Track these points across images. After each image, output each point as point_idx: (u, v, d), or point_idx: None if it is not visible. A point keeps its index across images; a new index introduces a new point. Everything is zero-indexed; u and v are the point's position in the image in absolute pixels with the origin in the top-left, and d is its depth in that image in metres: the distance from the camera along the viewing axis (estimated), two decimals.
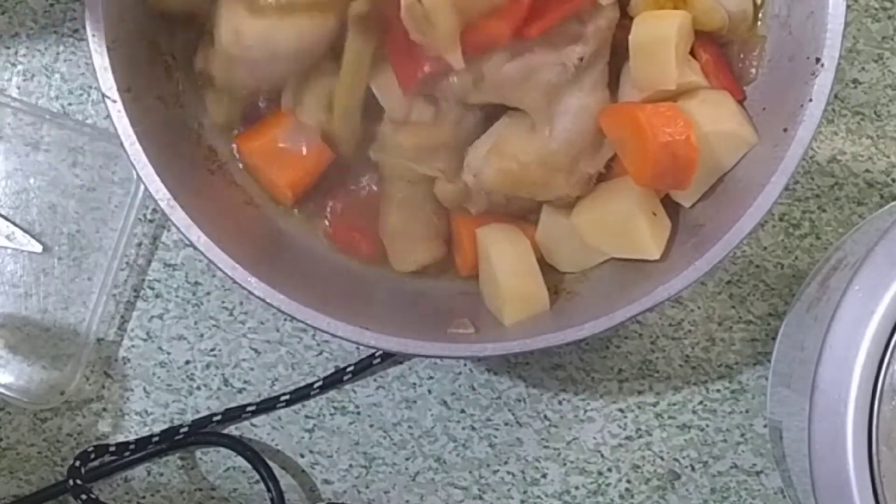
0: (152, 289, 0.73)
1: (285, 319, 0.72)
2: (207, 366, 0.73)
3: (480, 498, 0.72)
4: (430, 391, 0.73)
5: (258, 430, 0.73)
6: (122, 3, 0.61)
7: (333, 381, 0.72)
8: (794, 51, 0.61)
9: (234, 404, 0.72)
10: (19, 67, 0.73)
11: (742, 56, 0.64)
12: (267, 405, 0.72)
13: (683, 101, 0.61)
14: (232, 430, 0.73)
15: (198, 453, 0.73)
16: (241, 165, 0.67)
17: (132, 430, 0.73)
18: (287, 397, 0.72)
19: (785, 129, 0.59)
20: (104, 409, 0.73)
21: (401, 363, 0.72)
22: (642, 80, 0.61)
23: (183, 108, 0.65)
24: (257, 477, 0.71)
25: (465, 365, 0.72)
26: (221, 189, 0.66)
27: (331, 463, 0.73)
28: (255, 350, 0.73)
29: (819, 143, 0.72)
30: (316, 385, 0.72)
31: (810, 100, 0.58)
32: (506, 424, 0.72)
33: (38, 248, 0.72)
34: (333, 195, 0.67)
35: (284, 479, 0.72)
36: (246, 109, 0.66)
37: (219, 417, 0.72)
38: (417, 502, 0.73)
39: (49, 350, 0.72)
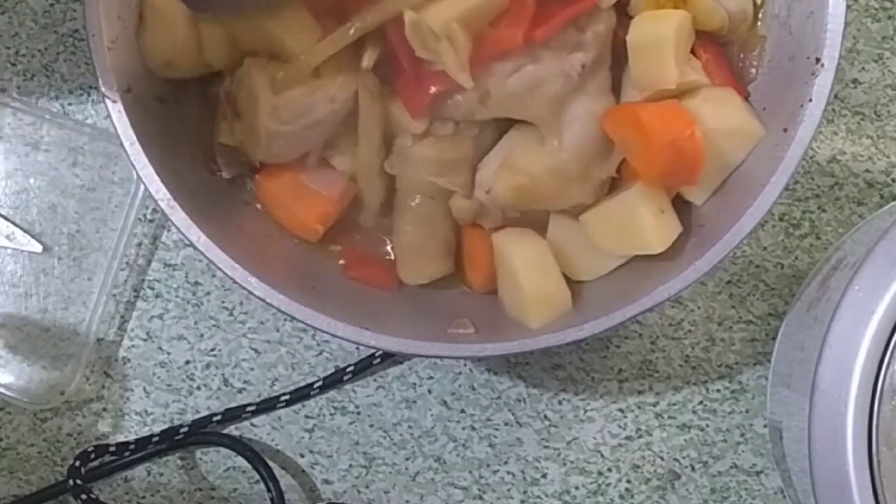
0: (152, 289, 0.73)
1: (285, 319, 0.72)
2: (207, 366, 0.73)
3: (480, 498, 0.72)
4: (430, 391, 0.73)
5: (258, 430, 0.73)
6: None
7: (333, 381, 0.72)
8: (794, 51, 0.61)
9: (234, 404, 0.72)
10: (19, 67, 0.73)
11: (742, 56, 0.64)
12: (267, 405, 0.72)
13: (686, 101, 0.61)
14: (232, 430, 0.73)
15: (198, 453, 0.73)
16: (258, 205, 0.66)
17: (132, 430, 0.73)
18: (287, 397, 0.72)
19: (785, 129, 0.59)
20: (104, 409, 0.73)
21: (401, 363, 0.72)
22: (642, 81, 0.61)
23: (183, 108, 0.65)
24: (257, 477, 0.71)
25: (465, 365, 0.72)
26: (221, 189, 0.66)
27: (331, 463, 0.73)
28: (255, 350, 0.73)
29: (819, 143, 0.72)
30: (316, 385, 0.72)
31: (810, 100, 0.58)
32: (506, 424, 0.72)
33: (38, 248, 0.72)
34: (346, 227, 0.66)
35: (284, 479, 0.72)
36: None
37: (219, 417, 0.72)
38: (417, 502, 0.73)
39: (49, 350, 0.72)
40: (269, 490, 0.71)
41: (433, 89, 0.61)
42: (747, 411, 0.72)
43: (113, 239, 0.72)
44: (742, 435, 0.72)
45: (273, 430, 0.73)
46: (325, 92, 0.61)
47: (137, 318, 0.73)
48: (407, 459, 0.73)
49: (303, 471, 0.73)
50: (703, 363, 0.72)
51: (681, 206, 0.63)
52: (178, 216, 0.59)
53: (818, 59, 0.59)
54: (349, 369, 0.71)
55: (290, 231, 0.66)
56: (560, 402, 0.72)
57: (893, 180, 0.72)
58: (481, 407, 0.73)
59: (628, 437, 0.72)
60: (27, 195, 0.72)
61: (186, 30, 0.62)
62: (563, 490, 0.72)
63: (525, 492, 0.72)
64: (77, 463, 0.70)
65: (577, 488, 0.72)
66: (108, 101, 0.60)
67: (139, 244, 0.73)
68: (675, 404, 0.72)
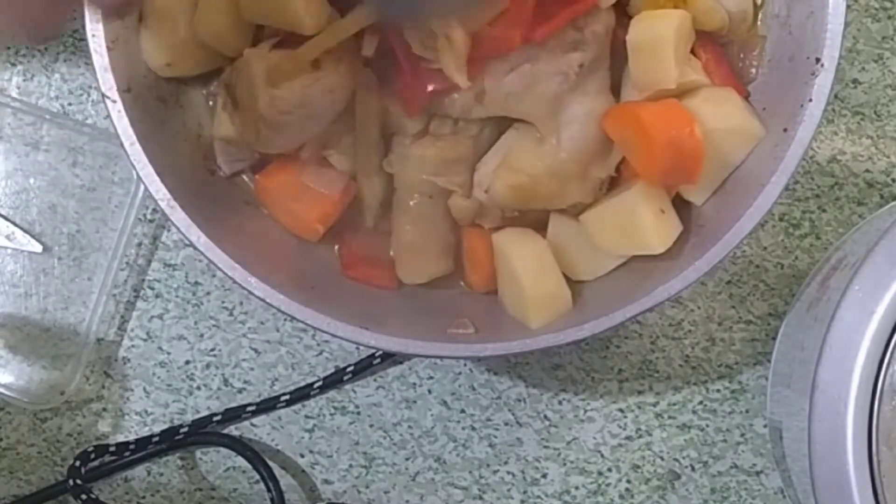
0: (152, 289, 0.73)
1: (285, 319, 0.72)
2: (207, 366, 0.73)
3: (480, 498, 0.72)
4: (430, 391, 0.73)
5: (258, 430, 0.73)
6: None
7: (333, 381, 0.72)
8: (794, 51, 0.61)
9: (234, 404, 0.72)
10: (19, 67, 0.73)
11: (742, 56, 0.64)
12: (267, 405, 0.72)
13: (686, 100, 0.61)
14: (232, 430, 0.73)
15: (198, 453, 0.73)
16: (258, 205, 0.66)
17: (132, 430, 0.73)
18: (287, 397, 0.72)
19: (785, 129, 0.59)
20: (104, 409, 0.73)
21: (401, 363, 0.72)
22: (642, 80, 0.61)
23: (183, 108, 0.65)
24: (257, 477, 0.71)
25: (465, 365, 0.72)
26: (221, 189, 0.66)
27: (331, 463, 0.73)
28: (255, 350, 0.73)
29: (819, 143, 0.72)
30: (316, 385, 0.72)
31: (810, 100, 0.58)
32: (506, 424, 0.72)
33: (38, 248, 0.72)
34: (346, 227, 0.66)
35: (284, 479, 0.72)
36: None
37: (219, 417, 0.72)
38: (417, 502, 0.73)
39: (49, 350, 0.72)
40: (269, 490, 0.71)
41: (430, 88, 0.60)
42: (747, 411, 0.72)
43: (113, 239, 0.72)
44: (742, 435, 0.72)
45: (273, 430, 0.73)
46: (325, 83, 0.61)
47: (137, 318, 0.73)
48: (407, 459, 0.73)
49: (303, 471, 0.73)
50: (703, 363, 0.72)
51: (681, 206, 0.63)
52: (178, 216, 0.59)
53: (818, 59, 0.59)
54: (349, 369, 0.71)
55: (290, 231, 0.66)
56: (560, 402, 0.72)
57: (893, 180, 0.72)
58: (481, 407, 0.73)
59: (628, 437, 0.72)
60: (27, 195, 0.72)
61: (186, 30, 0.62)
62: (563, 490, 0.72)
63: (525, 492, 0.72)
64: (77, 463, 0.70)
65: (577, 488, 0.72)
66: (108, 101, 0.60)
67: (139, 244, 0.73)
68: (675, 404, 0.72)
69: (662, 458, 0.72)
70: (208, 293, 0.73)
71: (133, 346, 0.73)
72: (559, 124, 0.62)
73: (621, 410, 0.72)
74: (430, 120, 0.63)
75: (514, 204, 0.63)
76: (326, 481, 0.73)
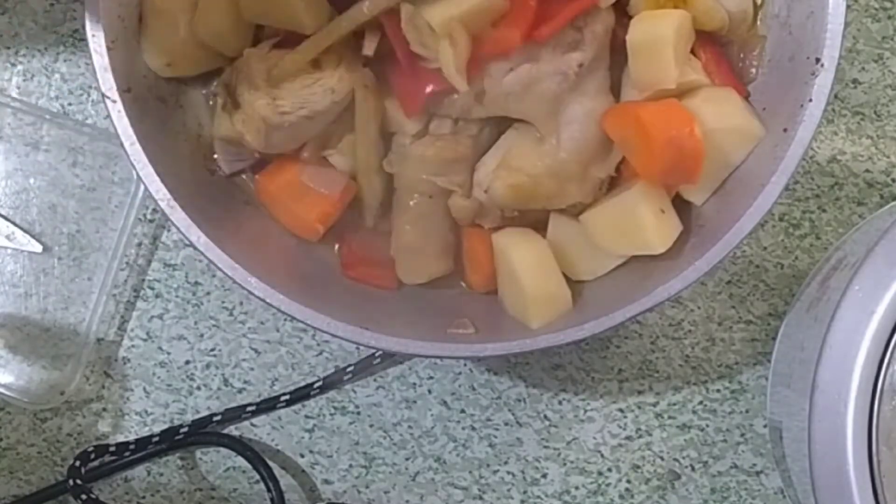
0: (152, 289, 0.73)
1: (285, 319, 0.72)
2: (207, 366, 0.73)
3: (480, 498, 0.72)
4: (430, 391, 0.73)
5: (258, 430, 0.73)
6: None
7: (333, 381, 0.72)
8: (794, 51, 0.61)
9: (234, 404, 0.72)
10: (19, 67, 0.73)
11: (742, 56, 0.64)
12: (267, 405, 0.72)
13: (686, 100, 0.61)
14: (232, 430, 0.73)
15: (198, 453, 0.73)
16: (258, 205, 0.66)
17: (132, 430, 0.73)
18: (287, 397, 0.72)
19: (785, 129, 0.59)
20: (104, 409, 0.73)
21: (401, 363, 0.72)
22: (642, 80, 0.61)
23: (183, 108, 0.65)
24: (257, 477, 0.71)
25: (465, 365, 0.72)
26: (221, 189, 0.66)
27: (331, 463, 0.73)
28: (255, 350, 0.73)
29: (819, 143, 0.72)
30: (316, 385, 0.72)
31: (810, 100, 0.58)
32: (506, 424, 0.72)
33: (38, 248, 0.72)
34: (346, 227, 0.66)
35: (284, 479, 0.72)
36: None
37: (219, 417, 0.72)
38: (417, 502, 0.73)
39: (49, 350, 0.72)
40: (269, 490, 0.71)
41: (429, 88, 0.60)
42: (747, 411, 0.72)
43: (113, 239, 0.72)
44: (742, 435, 0.72)
45: (273, 430, 0.73)
46: (325, 83, 0.61)
47: (137, 318, 0.73)
48: (407, 459, 0.73)
49: (303, 471, 0.73)
50: (703, 363, 0.72)
51: (681, 206, 0.63)
52: (178, 216, 0.59)
53: (818, 59, 0.59)
54: (349, 369, 0.71)
55: (290, 231, 0.66)
56: (560, 402, 0.72)
57: (893, 180, 0.72)
58: (481, 407, 0.73)
59: (628, 437, 0.72)
60: (27, 195, 0.72)
61: (186, 30, 0.62)
62: (563, 490, 0.72)
63: (525, 492, 0.72)
64: (77, 463, 0.70)
65: (577, 488, 0.72)
66: (108, 101, 0.60)
67: (139, 244, 0.73)
68: (675, 404, 0.72)
69: (662, 458, 0.72)
70: (208, 293, 0.73)
71: (133, 346, 0.73)
72: (559, 124, 0.62)
73: (621, 410, 0.72)
74: (430, 120, 0.63)
75: (513, 204, 0.63)
76: (326, 481, 0.73)
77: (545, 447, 0.72)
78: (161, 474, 0.73)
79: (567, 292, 0.62)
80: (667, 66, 0.60)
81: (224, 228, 0.61)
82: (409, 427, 0.73)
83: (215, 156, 0.66)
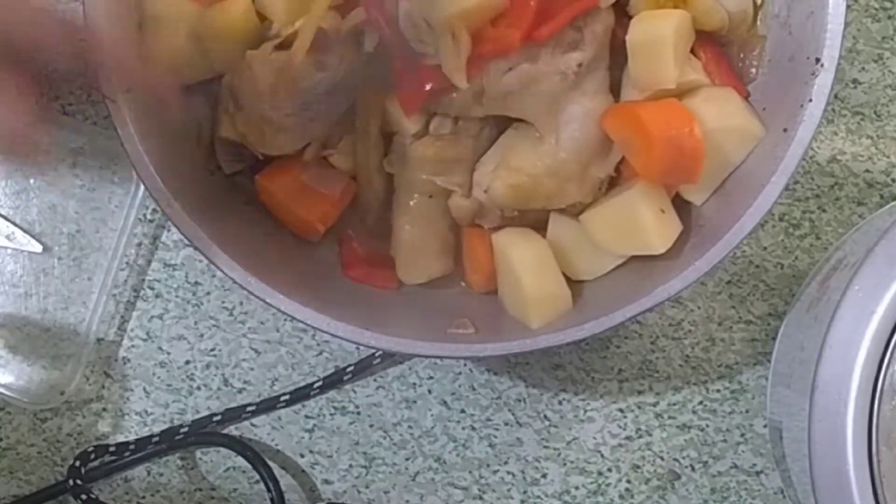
0: (152, 289, 0.73)
1: (285, 319, 0.72)
2: (207, 366, 0.73)
3: (480, 498, 0.72)
4: (430, 391, 0.73)
5: (258, 430, 0.73)
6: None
7: (333, 381, 0.72)
8: (794, 51, 0.61)
9: (234, 404, 0.72)
10: None
11: (742, 56, 0.64)
12: (267, 405, 0.72)
13: (686, 100, 0.61)
14: (232, 430, 0.73)
15: (198, 453, 0.73)
16: (258, 205, 0.66)
17: (132, 430, 0.73)
18: (287, 397, 0.72)
19: (785, 129, 0.59)
20: (104, 409, 0.73)
21: (401, 363, 0.72)
22: (642, 80, 0.61)
23: (183, 108, 0.65)
24: (257, 477, 0.71)
25: (465, 365, 0.72)
26: (221, 189, 0.66)
27: (331, 463, 0.73)
28: (255, 350, 0.73)
29: (819, 143, 0.72)
30: (316, 385, 0.72)
31: (810, 100, 0.58)
32: (506, 424, 0.72)
33: (38, 248, 0.72)
34: (346, 227, 0.66)
35: (284, 479, 0.72)
36: None
37: (219, 417, 0.72)
38: (417, 502, 0.73)
39: (49, 350, 0.72)
40: (269, 490, 0.71)
41: (428, 86, 0.60)
42: (747, 411, 0.72)
43: (113, 239, 0.72)
44: (742, 435, 0.72)
45: (273, 430, 0.73)
46: (326, 84, 0.61)
47: (137, 318, 0.73)
48: (407, 459, 0.73)
49: (303, 471, 0.73)
50: (703, 363, 0.72)
51: (681, 205, 0.63)
52: (178, 216, 0.59)
53: (818, 59, 0.59)
54: (349, 369, 0.71)
55: (291, 231, 0.66)
56: (560, 402, 0.72)
57: (893, 180, 0.72)
58: (481, 407, 0.73)
59: (628, 437, 0.72)
60: (27, 195, 0.72)
61: (187, 38, 0.62)
62: (563, 490, 0.72)
63: (525, 492, 0.72)
64: (77, 463, 0.70)
65: (577, 488, 0.72)
66: (108, 101, 0.60)
67: (139, 244, 0.73)
68: (675, 404, 0.72)
69: (662, 458, 0.72)
70: (208, 293, 0.73)
71: (133, 346, 0.73)
72: (558, 124, 0.62)
73: (621, 410, 0.72)
74: (430, 119, 0.63)
75: (513, 204, 0.63)
76: (326, 481, 0.73)
77: (545, 447, 0.72)
78: (161, 474, 0.73)
79: (567, 292, 0.62)
80: (667, 66, 0.60)
81: (224, 228, 0.61)
82: (409, 427, 0.73)
83: (216, 156, 0.66)
